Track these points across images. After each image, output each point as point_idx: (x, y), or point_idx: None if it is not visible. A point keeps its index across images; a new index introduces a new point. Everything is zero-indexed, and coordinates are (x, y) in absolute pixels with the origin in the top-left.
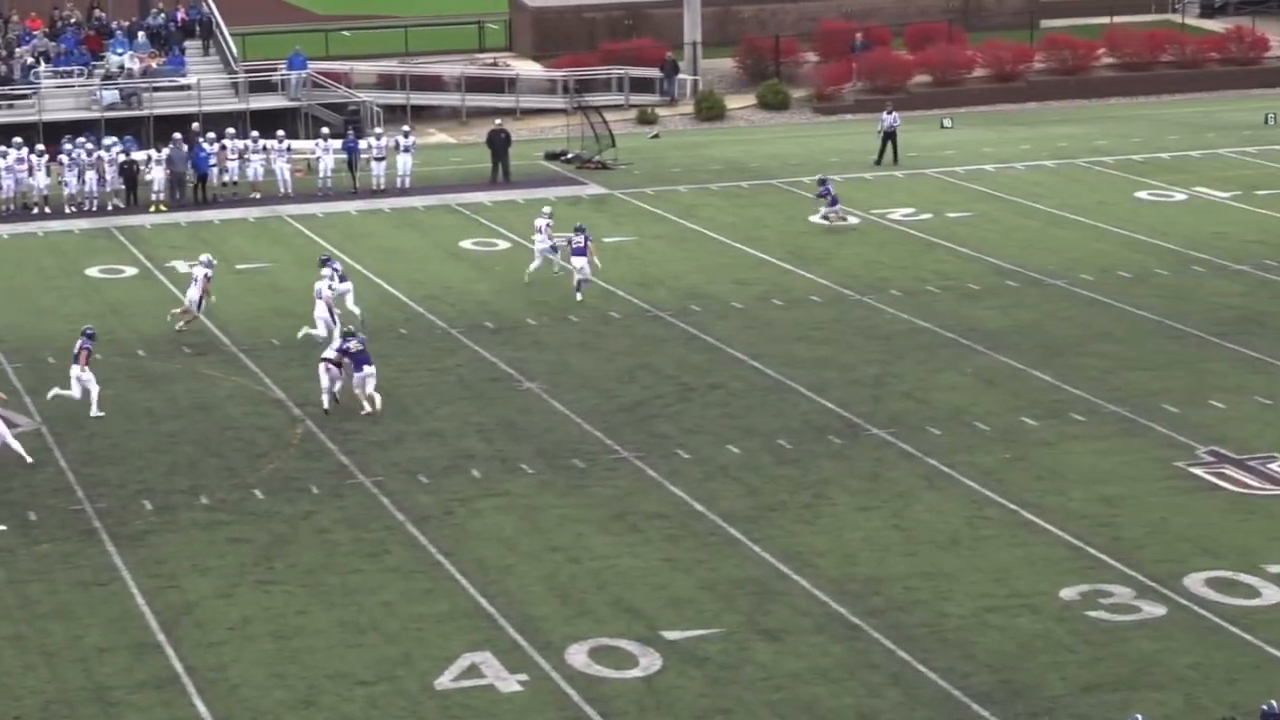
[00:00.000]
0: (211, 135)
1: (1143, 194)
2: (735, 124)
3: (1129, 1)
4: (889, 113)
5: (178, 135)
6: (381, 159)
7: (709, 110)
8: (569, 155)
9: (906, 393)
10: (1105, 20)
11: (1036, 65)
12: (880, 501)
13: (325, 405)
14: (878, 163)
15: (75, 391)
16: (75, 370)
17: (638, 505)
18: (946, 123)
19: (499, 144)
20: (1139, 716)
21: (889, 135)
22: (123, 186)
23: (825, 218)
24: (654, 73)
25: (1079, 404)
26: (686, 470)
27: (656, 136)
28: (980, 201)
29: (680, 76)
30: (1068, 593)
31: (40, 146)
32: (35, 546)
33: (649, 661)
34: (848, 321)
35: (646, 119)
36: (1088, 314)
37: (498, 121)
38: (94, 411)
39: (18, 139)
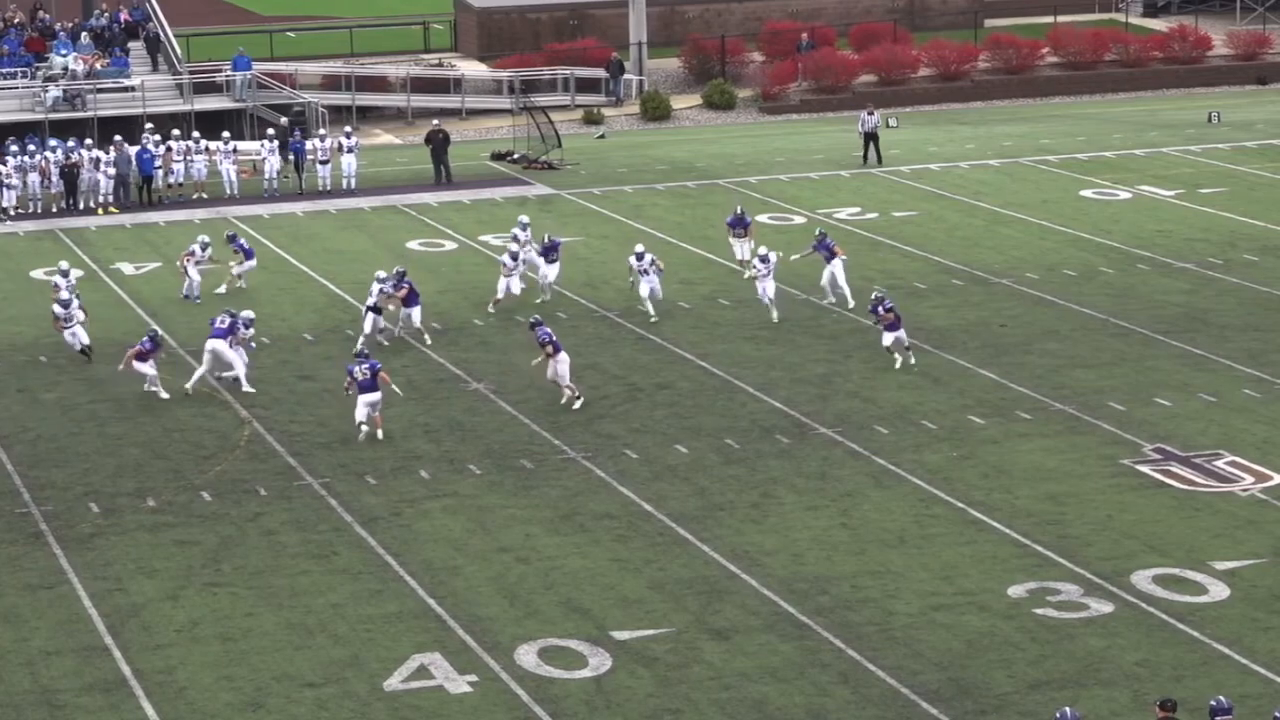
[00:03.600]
0: (157, 137)
1: (1087, 192)
2: (681, 124)
3: (1073, 1)
4: (870, 113)
5: (118, 138)
6: (326, 161)
7: (655, 110)
8: (515, 156)
9: (853, 392)
10: (1049, 20)
11: (981, 64)
12: (828, 500)
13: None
14: (865, 162)
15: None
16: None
17: (586, 505)
18: (892, 122)
19: (438, 144)
20: (1067, 710)
21: (870, 136)
22: (63, 189)
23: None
24: (599, 73)
25: (1025, 402)
26: (634, 470)
27: (602, 137)
28: (925, 200)
29: (626, 77)
30: (1015, 590)
31: None
32: None
33: (598, 661)
34: (794, 321)
35: (592, 119)
36: (1033, 312)
37: (435, 122)
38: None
39: None
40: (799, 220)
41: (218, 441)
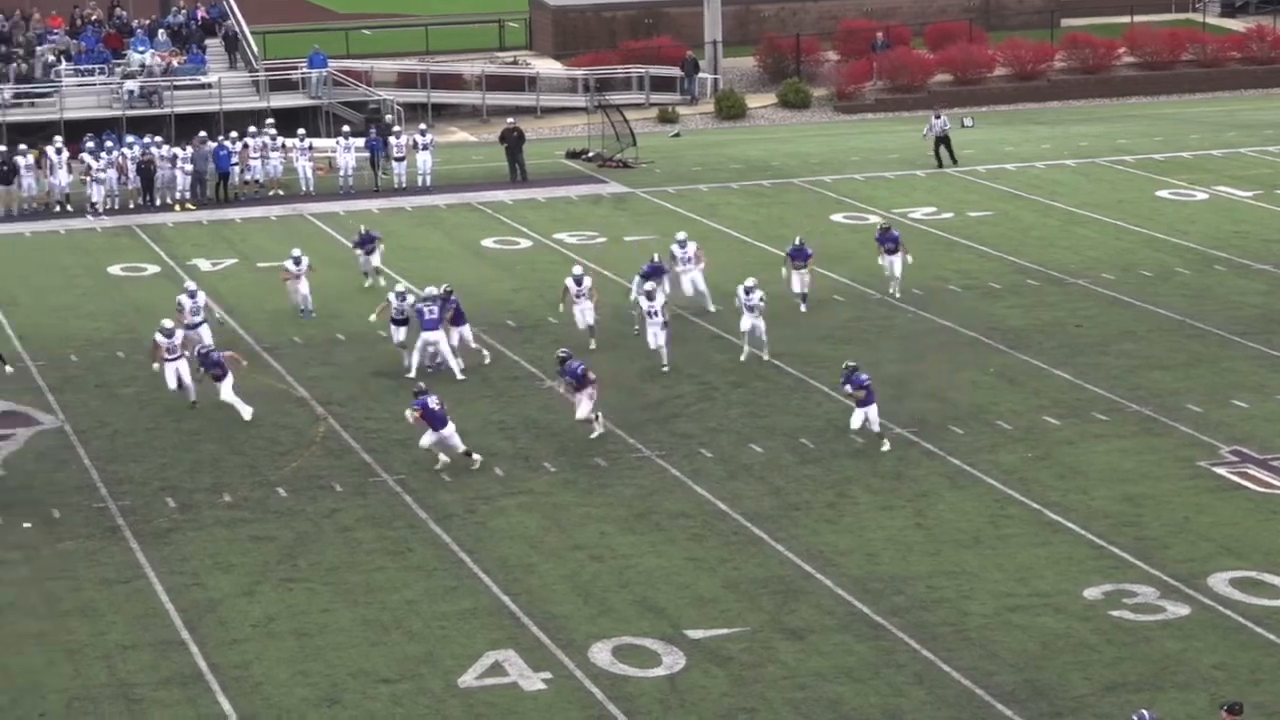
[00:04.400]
0: (235, 134)
1: (1164, 193)
2: (756, 123)
3: (1150, 0)
4: (937, 116)
5: (203, 134)
6: (401, 158)
7: (730, 109)
8: (590, 154)
9: (928, 392)
10: (1126, 19)
11: (1057, 64)
12: (903, 500)
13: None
14: (939, 166)
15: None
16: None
17: (660, 504)
18: (967, 122)
19: (513, 142)
20: (1145, 712)
21: (941, 139)
22: (140, 185)
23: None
24: (674, 71)
25: (1101, 403)
26: (709, 469)
27: (677, 135)
28: (1001, 200)
29: (701, 75)
30: (1091, 592)
31: (60, 142)
32: (59, 544)
33: (673, 660)
34: (869, 320)
35: (667, 118)
36: (1109, 313)
37: (510, 120)
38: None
39: (22, 145)
40: (874, 220)
41: (294, 438)
